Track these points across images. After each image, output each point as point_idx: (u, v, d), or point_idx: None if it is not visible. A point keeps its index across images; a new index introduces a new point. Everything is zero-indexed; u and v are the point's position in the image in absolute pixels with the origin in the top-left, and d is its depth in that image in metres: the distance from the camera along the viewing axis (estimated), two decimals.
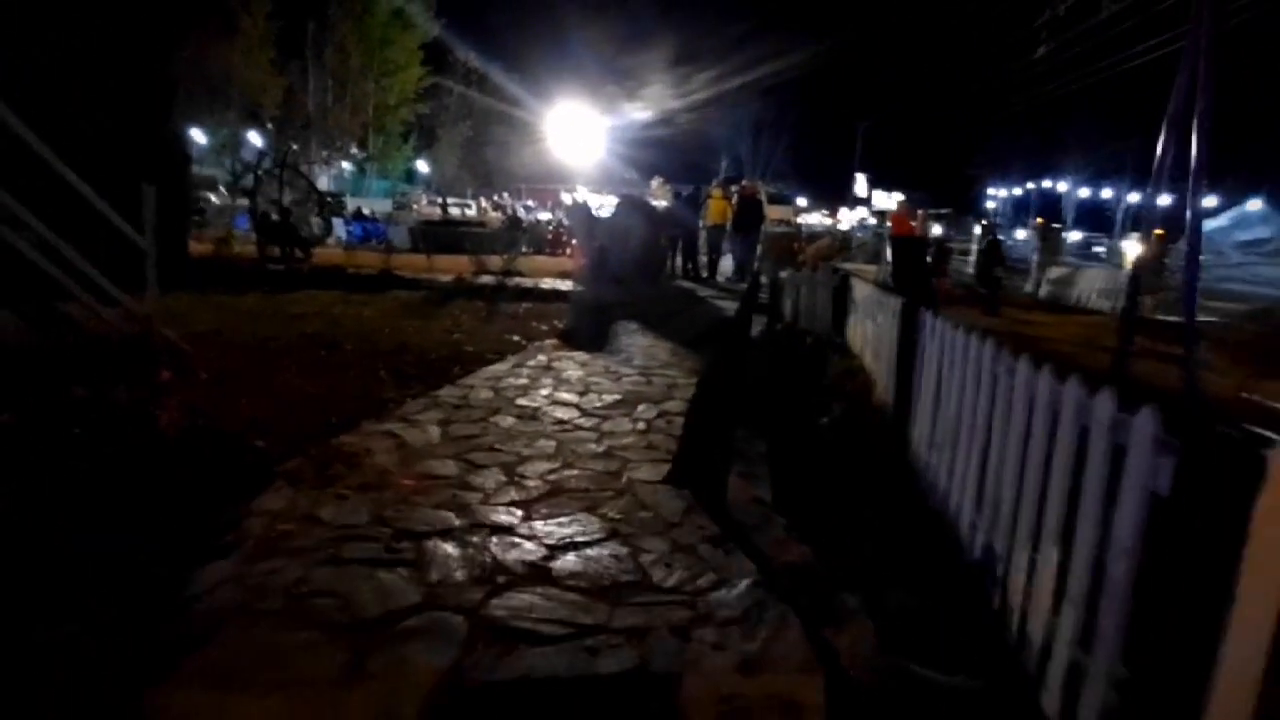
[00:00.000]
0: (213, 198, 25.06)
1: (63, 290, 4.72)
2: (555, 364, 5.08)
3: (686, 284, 12.67)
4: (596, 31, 40.46)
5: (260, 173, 14.30)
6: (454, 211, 26.07)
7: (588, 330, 6.93)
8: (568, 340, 6.14)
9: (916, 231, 15.86)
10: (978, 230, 19.46)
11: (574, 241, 14.21)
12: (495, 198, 35.24)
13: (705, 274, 13.71)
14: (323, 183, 34.50)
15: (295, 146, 20.68)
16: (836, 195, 45.46)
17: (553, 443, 3.22)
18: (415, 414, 3.62)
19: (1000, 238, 16.41)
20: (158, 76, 10.03)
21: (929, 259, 13.86)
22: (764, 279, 13.95)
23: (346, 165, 38.38)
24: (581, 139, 34.42)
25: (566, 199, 34.53)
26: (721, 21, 49.35)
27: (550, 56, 37.80)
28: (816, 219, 38.77)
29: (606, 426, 3.53)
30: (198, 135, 32.60)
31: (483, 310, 8.68)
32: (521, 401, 3.95)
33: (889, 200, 40.66)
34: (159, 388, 4.31)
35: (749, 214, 13.79)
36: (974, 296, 14.62)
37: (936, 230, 21.65)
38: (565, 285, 10.89)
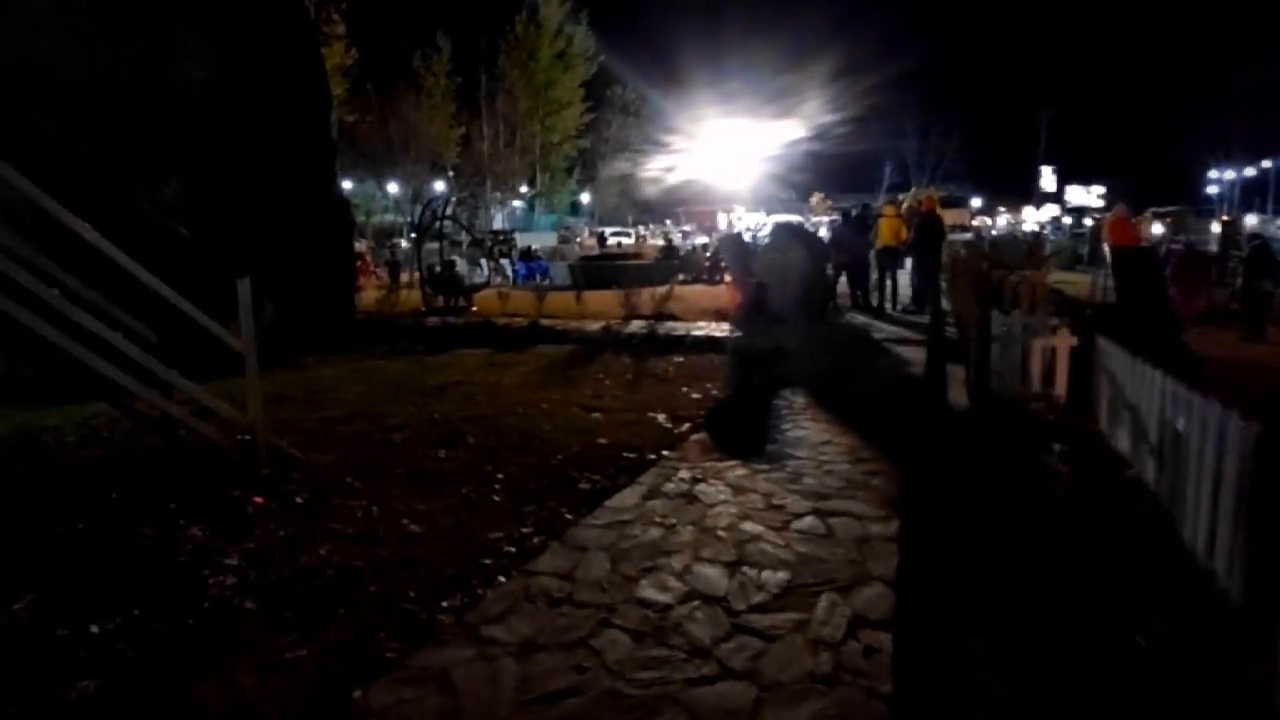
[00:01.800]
0: (403, 243, 26.72)
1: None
2: (700, 488, 3.78)
3: (858, 319, 10.86)
4: (752, 51, 39.02)
5: (425, 226, 14.48)
6: (611, 242, 25.73)
7: (743, 412, 5.57)
8: (718, 435, 4.83)
9: (1142, 239, 12.80)
10: (1215, 229, 15.47)
11: (728, 275, 12.84)
12: (652, 225, 34.77)
13: (876, 303, 11.79)
14: (497, 221, 36.02)
15: (454, 199, 21.24)
16: (1019, 193, 40.13)
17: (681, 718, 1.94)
18: (495, 619, 2.49)
19: (1263, 239, 12.69)
20: (324, 148, 10.11)
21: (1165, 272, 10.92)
22: (946, 305, 11.76)
23: (518, 203, 39.84)
24: (738, 159, 33.04)
25: (723, 220, 33.27)
26: (882, 22, 45.95)
27: (705, 80, 36.82)
28: (1004, 222, 33.97)
29: (769, 668, 2.16)
30: (392, 187, 35.31)
31: (628, 370, 7.62)
32: (646, 587, 2.69)
33: (1086, 195, 34.86)
34: (243, 520, 3.60)
35: (929, 234, 11.65)
36: (1225, 314, 11.38)
37: (1158, 230, 17.63)
38: (720, 329, 9.59)
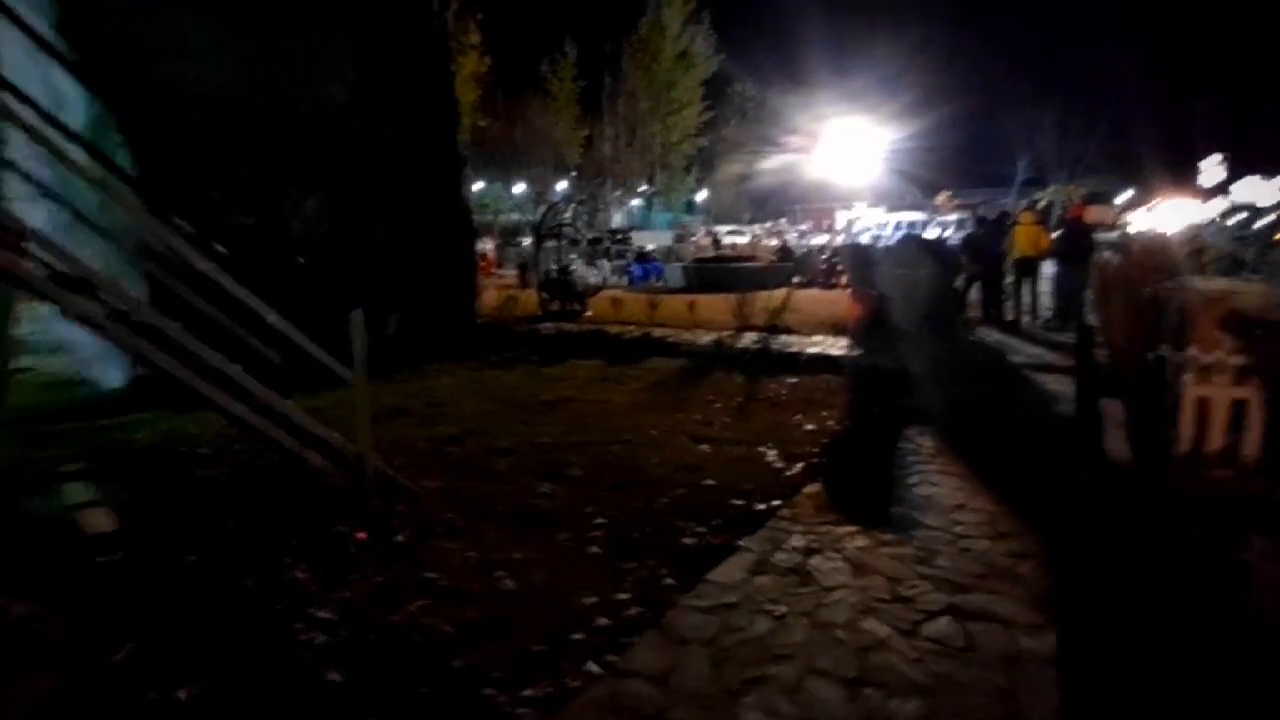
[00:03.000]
0: (525, 242, 27.39)
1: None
2: (815, 562, 3.26)
3: (991, 336, 9.73)
4: (876, 40, 36.84)
5: (545, 229, 14.61)
6: (726, 241, 25.05)
7: (863, 455, 4.96)
8: (835, 487, 4.26)
9: None
10: None
11: (847, 284, 11.95)
12: (768, 224, 33.62)
13: (1011, 317, 10.56)
14: (615, 219, 36.17)
15: (575, 202, 21.35)
16: (1175, 186, 35.29)
17: None
18: None
19: None
20: (452, 160, 10.25)
21: None
22: (1091, 318, 10.30)
23: (636, 202, 39.88)
24: (858, 154, 31.25)
25: (842, 219, 31.63)
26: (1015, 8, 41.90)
27: (826, 70, 35.08)
28: (1172, 219, 29.60)
29: None
30: (518, 188, 36.34)
31: (739, 391, 7.12)
32: (751, 709, 2.23)
33: (1270, 189, 29.54)
34: (344, 561, 3.48)
35: (1076, 243, 10.28)
36: None
37: None
38: (837, 346, 8.85)
